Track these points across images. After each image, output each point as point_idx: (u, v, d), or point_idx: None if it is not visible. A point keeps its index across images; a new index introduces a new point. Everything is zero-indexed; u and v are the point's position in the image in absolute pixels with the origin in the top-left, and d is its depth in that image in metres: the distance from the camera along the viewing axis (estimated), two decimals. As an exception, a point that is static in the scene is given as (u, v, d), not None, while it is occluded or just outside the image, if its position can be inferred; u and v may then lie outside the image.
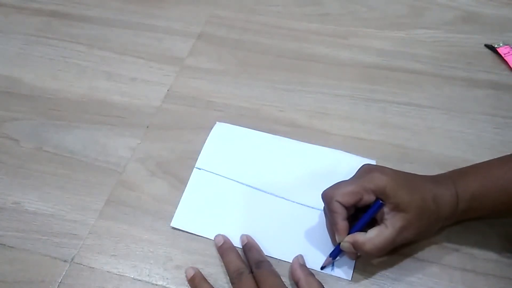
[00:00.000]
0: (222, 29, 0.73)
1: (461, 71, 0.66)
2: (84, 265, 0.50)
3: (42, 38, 0.73)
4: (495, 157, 0.49)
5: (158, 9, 0.76)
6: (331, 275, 0.48)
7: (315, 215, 0.52)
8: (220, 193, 0.54)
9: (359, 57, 0.68)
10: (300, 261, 0.48)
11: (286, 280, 0.47)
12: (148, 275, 0.49)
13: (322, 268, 0.48)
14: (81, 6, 0.77)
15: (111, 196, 0.55)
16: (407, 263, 0.49)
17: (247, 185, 0.55)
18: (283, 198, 0.54)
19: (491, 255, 0.49)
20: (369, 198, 0.45)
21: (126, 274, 0.49)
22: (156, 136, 0.60)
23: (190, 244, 0.51)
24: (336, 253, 0.47)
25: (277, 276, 0.46)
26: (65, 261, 0.50)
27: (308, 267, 0.48)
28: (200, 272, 0.48)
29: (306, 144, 0.58)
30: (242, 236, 0.51)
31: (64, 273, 0.49)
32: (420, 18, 0.74)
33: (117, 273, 0.49)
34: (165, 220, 0.52)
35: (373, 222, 0.46)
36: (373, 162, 0.55)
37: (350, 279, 0.48)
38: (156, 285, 0.48)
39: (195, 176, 0.56)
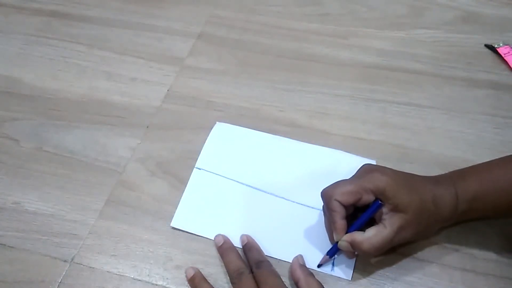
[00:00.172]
0: (222, 29, 0.73)
1: (461, 71, 0.66)
2: (84, 265, 0.50)
3: (42, 38, 0.73)
4: (495, 158, 0.49)
5: (158, 9, 0.76)
6: (331, 275, 0.48)
7: (315, 215, 0.52)
8: (220, 193, 0.54)
9: (359, 57, 0.68)
10: (300, 261, 0.48)
11: (286, 280, 0.47)
12: (148, 275, 0.49)
13: (319, 266, 0.48)
14: (81, 6, 0.77)
15: (111, 196, 0.55)
16: (407, 263, 0.49)
17: (247, 185, 0.55)
18: (283, 198, 0.54)
19: (491, 255, 0.49)
20: (368, 198, 0.45)
21: (126, 274, 0.49)
22: (156, 136, 0.60)
23: (190, 244, 0.51)
24: (333, 251, 0.47)
25: (277, 276, 0.46)
26: (65, 261, 0.50)
27: (308, 267, 0.48)
28: (200, 272, 0.48)
29: (306, 144, 0.58)
30: (242, 236, 0.51)
31: (64, 273, 0.49)
32: (420, 18, 0.74)
33: (117, 273, 0.49)
34: (165, 220, 0.52)
35: (371, 222, 0.46)
36: (373, 162, 0.55)
37: (350, 279, 0.48)
38: (156, 285, 0.48)
39: (195, 176, 0.56)
